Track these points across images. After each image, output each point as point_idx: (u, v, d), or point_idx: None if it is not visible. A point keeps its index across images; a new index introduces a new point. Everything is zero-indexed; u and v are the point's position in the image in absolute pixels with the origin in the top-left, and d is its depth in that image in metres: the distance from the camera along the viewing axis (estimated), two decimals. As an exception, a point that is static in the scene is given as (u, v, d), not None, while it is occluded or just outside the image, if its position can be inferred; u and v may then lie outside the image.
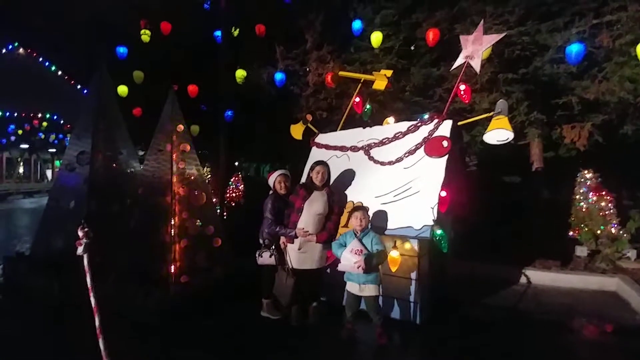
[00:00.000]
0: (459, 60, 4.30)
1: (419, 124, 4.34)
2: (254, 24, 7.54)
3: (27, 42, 24.10)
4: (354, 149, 4.64)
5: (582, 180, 6.33)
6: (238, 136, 8.70)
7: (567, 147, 6.97)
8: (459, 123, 4.35)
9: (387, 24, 6.80)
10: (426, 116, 4.53)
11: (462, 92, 4.38)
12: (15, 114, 21.44)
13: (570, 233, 6.34)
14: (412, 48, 6.97)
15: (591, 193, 6.17)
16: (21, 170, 29.73)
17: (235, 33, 8.25)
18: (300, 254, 3.87)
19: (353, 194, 4.28)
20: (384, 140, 4.44)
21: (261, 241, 4.18)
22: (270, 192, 4.26)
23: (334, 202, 3.96)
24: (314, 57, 7.12)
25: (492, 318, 4.29)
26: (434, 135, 4.13)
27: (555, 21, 5.98)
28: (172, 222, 4.97)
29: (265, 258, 4.04)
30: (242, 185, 11.40)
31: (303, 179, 4.45)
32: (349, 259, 3.41)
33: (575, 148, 6.66)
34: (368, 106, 5.51)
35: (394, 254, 3.78)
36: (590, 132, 6.32)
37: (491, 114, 4.12)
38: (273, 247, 4.04)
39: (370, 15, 6.87)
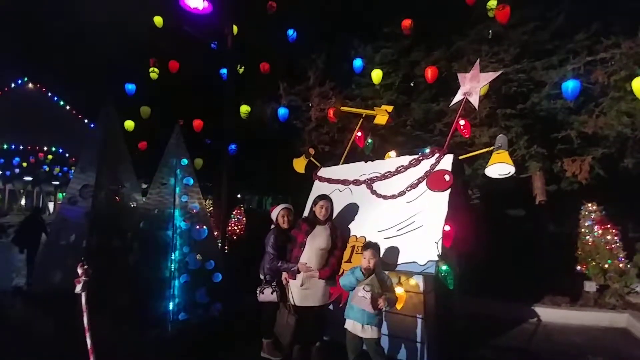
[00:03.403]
0: (458, 97, 4.41)
1: (421, 158, 4.37)
2: (259, 62, 7.84)
3: (36, 77, 24.94)
4: (357, 182, 4.65)
5: (587, 213, 6.29)
6: (241, 169, 8.77)
7: (569, 180, 6.99)
8: (460, 157, 4.39)
9: (387, 62, 7.07)
10: (427, 150, 4.57)
11: (462, 127, 4.46)
12: (21, 147, 21.81)
13: (578, 267, 6.20)
14: (412, 84, 7.19)
15: (596, 226, 6.10)
16: (23, 202, 29.75)
17: (241, 71, 8.56)
18: (302, 290, 3.76)
19: (356, 228, 4.24)
20: (386, 174, 4.46)
21: (262, 277, 4.09)
22: (273, 226, 4.22)
23: (337, 237, 3.91)
24: (317, 93, 7.34)
25: (504, 360, 4.11)
26: (435, 169, 4.15)
27: (550, 59, 6.20)
28: (172, 257, 4.91)
29: (267, 295, 3.93)
30: (244, 218, 11.35)
31: (306, 213, 4.43)
32: (369, 295, 3.27)
33: (577, 181, 6.67)
34: (370, 140, 5.59)
35: (399, 290, 3.67)
36: (591, 166, 6.36)
37: (491, 148, 4.17)
38: (274, 283, 3.94)
39: (371, 54, 7.14)
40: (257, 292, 3.97)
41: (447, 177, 3.97)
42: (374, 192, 4.42)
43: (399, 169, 4.41)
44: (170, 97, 8.91)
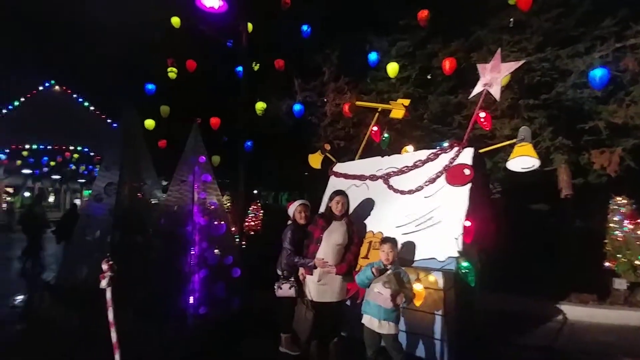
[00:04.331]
0: (478, 88, 4.28)
1: (439, 152, 4.27)
2: (274, 58, 7.85)
3: (62, 80, 25.92)
4: (373, 177, 4.59)
5: (616, 207, 6.01)
6: (257, 166, 8.84)
7: (597, 173, 6.70)
8: (481, 151, 4.27)
9: (403, 54, 6.93)
10: (446, 144, 4.47)
11: (482, 120, 4.33)
12: (49, 147, 22.77)
13: (606, 264, 5.95)
14: (429, 77, 7.03)
15: (626, 221, 5.83)
16: (51, 199, 31.03)
17: (256, 68, 8.59)
18: (319, 286, 3.76)
19: (373, 224, 4.20)
20: (403, 169, 4.38)
21: (279, 272, 4.11)
22: (290, 222, 4.23)
23: (354, 233, 3.88)
24: (332, 88, 7.29)
25: (527, 359, 3.98)
26: (455, 163, 4.05)
27: (576, 46, 5.93)
28: (192, 252, 4.99)
29: (285, 290, 3.94)
30: (261, 214, 11.47)
31: (322, 209, 4.41)
32: (385, 290, 3.25)
33: (606, 174, 6.39)
34: (386, 135, 5.51)
35: (417, 287, 3.62)
36: (621, 157, 6.07)
37: (514, 141, 4.04)
38: (292, 278, 3.95)
39: (386, 47, 7.02)
40: (275, 287, 3.99)
41: (467, 171, 3.87)
42: (390, 187, 4.36)
43: (416, 163, 4.33)
44: (188, 95, 9.04)
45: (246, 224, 10.09)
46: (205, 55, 8.97)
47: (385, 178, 4.46)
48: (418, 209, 4.00)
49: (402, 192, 4.21)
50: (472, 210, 3.79)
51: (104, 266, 2.65)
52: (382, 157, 4.80)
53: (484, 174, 5.99)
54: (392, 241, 3.42)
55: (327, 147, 5.48)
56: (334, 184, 4.93)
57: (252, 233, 10.77)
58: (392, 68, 6.37)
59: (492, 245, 5.04)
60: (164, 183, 8.49)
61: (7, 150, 22.67)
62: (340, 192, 3.99)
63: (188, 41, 9.32)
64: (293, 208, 4.19)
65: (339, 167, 5.11)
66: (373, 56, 6.59)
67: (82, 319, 4.89)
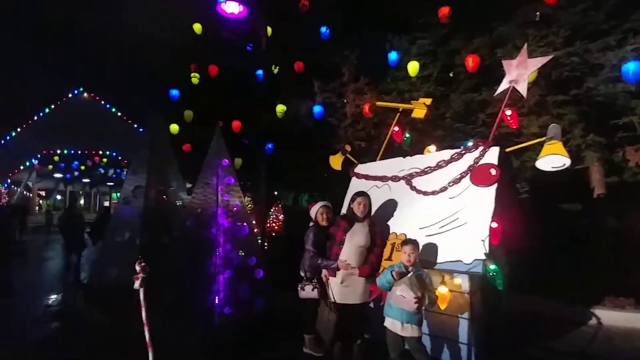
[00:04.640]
0: (503, 85, 4.17)
1: (463, 152, 4.19)
2: (293, 61, 7.90)
3: (90, 87, 27.05)
4: (395, 178, 4.55)
5: (653, 206, 5.71)
6: (278, 167, 8.92)
7: (632, 170, 6.37)
8: (507, 150, 4.15)
9: (424, 53, 6.82)
10: (470, 143, 4.37)
11: (508, 118, 4.21)
12: (79, 152, 23.85)
13: (644, 266, 5.66)
14: (451, 75, 6.89)
15: (665, 221, 5.53)
16: (82, 202, 32.38)
17: (275, 71, 8.66)
18: (342, 288, 3.76)
19: (396, 226, 4.15)
20: (426, 170, 4.32)
21: (302, 274, 4.12)
22: (312, 223, 4.24)
23: (376, 234, 3.85)
24: (351, 89, 7.26)
25: (558, 364, 3.85)
26: (480, 163, 3.95)
27: (606, 39, 5.66)
28: (217, 253, 5.09)
29: (308, 291, 3.95)
30: (282, 215, 11.56)
31: (343, 210, 4.40)
32: (408, 292, 3.22)
33: (642, 172, 6.08)
34: (408, 135, 5.44)
35: (442, 290, 3.56)
36: (658, 154, 5.75)
37: (543, 139, 3.90)
38: (315, 280, 3.97)
39: (406, 46, 6.93)
40: (298, 288, 4.02)
41: (493, 171, 3.77)
42: (413, 188, 4.31)
43: (439, 163, 4.26)
44: (210, 100, 9.22)
45: (267, 225, 10.21)
46: (226, 60, 9.13)
47: (408, 179, 4.41)
48: (442, 210, 3.93)
49: (426, 193, 4.15)
50: (499, 211, 3.69)
51: (137, 268, 2.74)
52: (404, 157, 4.74)
53: (511, 173, 5.84)
54: (413, 243, 3.39)
55: (348, 148, 5.46)
56: (355, 185, 4.91)
57: (274, 234, 10.88)
58: (413, 67, 6.27)
59: (520, 247, 4.90)
60: (188, 186, 8.69)
61: (39, 156, 23.89)
62: (361, 194, 3.98)
63: (209, 46, 9.51)
64: (315, 210, 4.21)
65: (360, 168, 5.09)
66: (393, 55, 6.52)
67: (113, 318, 5.09)
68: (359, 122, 7.19)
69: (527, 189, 7.15)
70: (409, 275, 3.28)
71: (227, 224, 5.21)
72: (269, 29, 8.73)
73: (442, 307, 3.56)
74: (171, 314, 4.63)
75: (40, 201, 26.55)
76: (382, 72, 7.27)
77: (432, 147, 5.16)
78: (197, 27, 8.93)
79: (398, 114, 5.40)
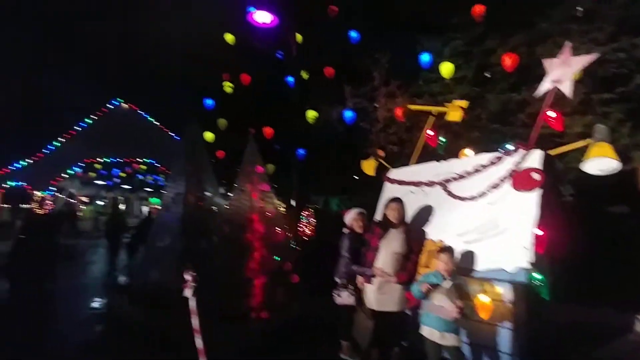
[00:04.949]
0: (545, 85, 4.00)
1: (503, 156, 4.05)
2: (323, 67, 7.97)
3: (129, 98, 28.58)
4: (430, 184, 4.47)
5: None
6: (309, 173, 9.00)
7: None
8: (551, 153, 3.98)
9: (457, 53, 6.67)
10: (510, 146, 4.22)
11: (552, 119, 4.03)
12: (119, 160, 25.33)
13: None
14: (488, 75, 6.69)
15: None
16: (123, 207, 34.03)
17: (305, 76, 8.75)
18: (379, 295, 3.73)
19: (433, 232, 4.08)
20: (463, 174, 4.22)
21: (338, 280, 4.14)
22: (347, 230, 4.25)
23: (412, 241, 3.81)
24: (382, 93, 7.22)
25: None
26: (521, 168, 3.81)
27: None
28: (253, 258, 5.21)
29: (344, 298, 3.96)
30: (314, 220, 11.61)
31: (377, 216, 4.38)
32: (446, 301, 3.16)
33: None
34: (443, 139, 5.33)
35: (484, 299, 3.46)
36: None
37: (588, 140, 3.71)
38: (350, 286, 3.96)
39: (439, 47, 6.82)
40: (334, 294, 4.03)
41: (535, 176, 3.63)
42: (450, 193, 4.22)
43: (478, 168, 4.14)
44: (243, 107, 9.46)
45: (299, 230, 10.30)
46: (257, 68, 9.35)
47: (444, 184, 4.32)
48: (481, 217, 3.82)
49: (463, 199, 4.05)
50: (543, 217, 3.55)
51: (187, 276, 2.85)
52: (439, 162, 4.65)
53: (555, 177, 5.58)
54: (450, 251, 3.33)
55: (381, 153, 5.43)
56: (389, 190, 4.87)
57: (306, 238, 10.95)
58: (446, 68, 6.14)
59: (564, 253, 4.67)
60: (222, 191, 8.95)
61: (82, 164, 25.54)
62: (395, 199, 3.94)
63: (241, 56, 9.78)
64: (350, 217, 4.22)
65: (394, 173, 5.04)
66: (425, 57, 6.41)
67: (157, 321, 5.30)
68: (391, 126, 7.14)
69: (572, 191, 6.81)
70: (447, 284, 3.23)
71: (263, 230, 5.34)
72: (299, 36, 8.86)
73: (484, 316, 3.45)
74: (210, 317, 4.80)
75: (83, 207, 28.13)
76: (414, 75, 7.18)
77: (469, 151, 5.03)
78: (230, 38, 9.20)
79: (432, 118, 5.31)
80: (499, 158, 4.07)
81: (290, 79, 8.67)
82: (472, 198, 3.99)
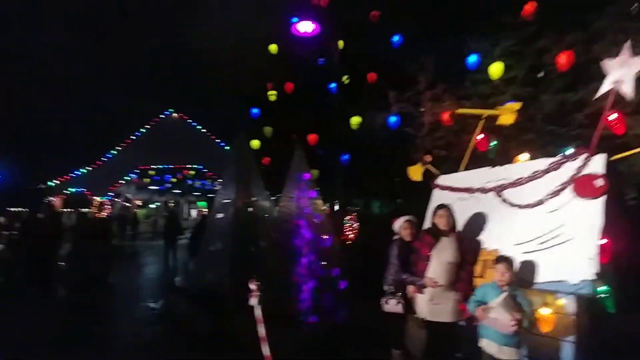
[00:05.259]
0: (605, 87, 3.76)
1: (562, 161, 3.86)
2: (366, 72, 8.01)
3: (179, 108, 30.44)
4: (483, 190, 4.34)
5: None
6: (354, 178, 9.05)
7: None
8: (616, 157, 3.73)
9: (508, 54, 6.43)
10: (570, 150, 4.01)
11: (613, 122, 3.79)
12: (171, 166, 27.12)
13: None
14: (541, 75, 6.39)
15: None
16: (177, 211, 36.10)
17: (346, 80, 8.81)
18: (432, 305, 3.67)
19: (487, 241, 3.97)
20: (519, 180, 4.06)
21: (386, 287, 4.13)
22: (395, 237, 4.25)
23: (466, 250, 3.71)
24: (428, 96, 7.12)
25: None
26: (583, 173, 3.61)
27: None
28: (301, 264, 5.35)
29: (392, 305, 3.93)
30: (357, 224, 11.61)
31: (427, 224, 4.33)
32: (502, 314, 3.08)
33: None
34: (494, 143, 5.16)
35: (545, 312, 3.32)
36: None
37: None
38: (399, 294, 3.94)
39: (487, 48, 6.61)
40: (382, 302, 4.03)
41: (599, 182, 3.43)
42: (505, 200, 4.07)
43: (535, 173, 3.97)
44: (287, 115, 9.74)
45: (343, 234, 10.35)
46: (300, 76, 9.59)
47: (498, 190, 4.18)
48: (540, 225, 3.66)
49: (520, 206, 3.90)
50: (607, 225, 3.34)
51: (252, 286, 3.00)
52: (492, 167, 4.51)
53: (618, 181, 5.21)
54: (507, 261, 3.21)
55: (428, 158, 5.34)
56: (438, 197, 4.80)
57: (349, 243, 10.97)
58: (496, 69, 5.92)
59: (630, 262, 4.34)
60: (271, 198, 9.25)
61: (137, 171, 27.65)
62: (443, 206, 3.86)
63: (285, 64, 10.09)
64: (398, 224, 4.20)
65: (443, 180, 4.95)
66: (473, 58, 6.22)
67: (211, 322, 5.59)
68: (438, 131, 7.02)
69: (635, 195, 6.31)
70: (504, 296, 3.13)
71: (310, 236, 5.46)
72: (341, 43, 8.98)
73: (546, 330, 3.31)
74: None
75: (138, 211, 30.23)
76: (460, 77, 7.02)
77: (524, 156, 4.83)
78: (273, 48, 9.52)
79: (482, 121, 5.15)
80: (559, 163, 3.87)
81: (333, 85, 8.81)
82: (530, 206, 3.83)
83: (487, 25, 6.79)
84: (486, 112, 5.18)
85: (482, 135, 5.15)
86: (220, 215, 6.97)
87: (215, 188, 27.49)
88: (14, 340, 5.18)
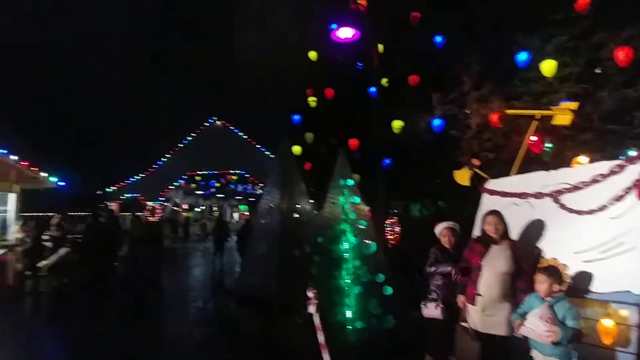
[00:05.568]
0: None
1: (626, 164, 3.60)
2: (407, 75, 7.91)
3: (221, 116, 31.87)
4: (539, 195, 4.13)
5: None
6: (396, 182, 8.95)
7: None
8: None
9: (561, 50, 6.08)
10: (632, 152, 3.74)
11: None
12: (215, 172, 28.63)
13: None
14: (598, 71, 5.98)
15: None
16: (217, 214, 37.68)
17: (385, 83, 8.71)
18: (485, 317, 3.51)
19: (545, 249, 3.79)
20: (578, 185, 3.83)
21: (429, 293, 4.06)
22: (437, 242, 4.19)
23: (521, 259, 3.54)
24: (474, 97, 6.89)
25: None
26: (651, 177, 3.35)
27: None
28: (346, 269, 5.39)
29: (430, 310, 3.87)
30: (399, 228, 11.47)
31: (476, 232, 4.20)
32: (538, 325, 2.96)
33: None
34: (549, 145, 4.89)
35: (607, 323, 3.12)
36: None
37: None
38: (438, 298, 3.87)
39: (538, 44, 6.29)
40: (421, 306, 3.97)
41: (669, 187, 3.17)
42: (563, 206, 3.86)
43: (595, 177, 3.74)
44: (327, 120, 9.85)
45: (386, 238, 10.26)
46: (340, 81, 9.66)
47: (555, 196, 3.97)
48: (602, 233, 3.44)
49: (580, 212, 3.68)
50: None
51: (310, 294, 3.09)
52: (548, 171, 4.29)
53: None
54: (547, 271, 3.06)
55: (476, 162, 5.19)
56: (487, 202, 4.63)
57: (391, 247, 10.86)
58: (548, 66, 5.60)
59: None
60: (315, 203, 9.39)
61: (185, 176, 29.43)
62: (492, 212, 3.70)
63: (324, 70, 10.22)
64: (438, 230, 4.15)
65: (493, 184, 4.77)
66: (523, 56, 5.92)
67: (259, 324, 5.79)
68: (485, 132, 6.77)
69: None
70: (542, 306, 2.99)
71: (355, 241, 5.49)
72: (381, 47, 8.94)
73: (607, 341, 3.12)
74: (307, 323, 5.08)
75: (185, 214, 31.90)
76: (509, 76, 6.72)
77: (583, 159, 4.55)
78: (313, 55, 9.69)
79: (535, 122, 4.91)
80: (621, 166, 3.62)
81: (373, 89, 8.78)
82: (591, 212, 3.61)
83: (536, 21, 6.46)
84: (540, 113, 4.94)
85: (535, 137, 4.93)
86: (264, 220, 7.19)
87: (256, 192, 28.70)
88: (77, 336, 5.63)
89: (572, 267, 3.48)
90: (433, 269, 3.95)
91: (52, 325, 6.42)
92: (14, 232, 9.03)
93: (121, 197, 29.60)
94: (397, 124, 7.39)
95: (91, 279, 7.69)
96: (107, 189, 29.98)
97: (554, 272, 3.10)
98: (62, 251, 8.61)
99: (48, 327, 6.40)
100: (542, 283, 3.04)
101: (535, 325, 2.95)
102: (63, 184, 10.21)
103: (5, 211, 9.33)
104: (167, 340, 5.67)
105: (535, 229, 3.95)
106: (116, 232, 9.07)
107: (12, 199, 9.33)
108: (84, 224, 9.80)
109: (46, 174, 9.68)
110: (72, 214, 17.96)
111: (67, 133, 38.83)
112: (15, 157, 8.94)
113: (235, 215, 34.48)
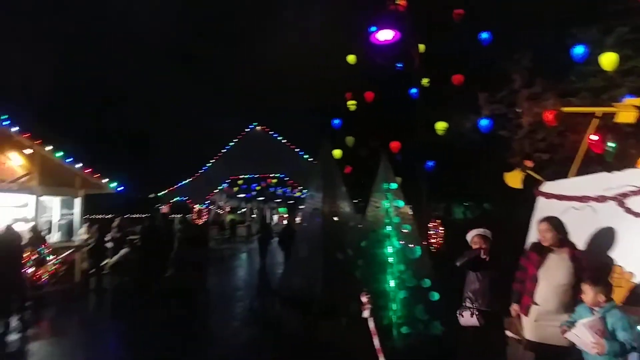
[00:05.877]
0: None
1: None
2: (451, 74, 7.68)
3: (262, 121, 32.87)
4: (601, 199, 3.83)
5: None
6: (440, 184, 8.72)
7: None
8: None
9: (623, 42, 5.62)
10: None
11: None
12: (256, 175, 29.60)
13: None
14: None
15: None
16: (254, 216, 38.79)
17: (426, 83, 8.49)
18: (540, 326, 3.32)
19: (611, 257, 3.51)
20: (647, 188, 3.52)
21: (465, 301, 3.90)
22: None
23: (583, 269, 3.27)
24: (525, 95, 6.54)
25: None
26: None
27: None
28: (391, 273, 5.33)
29: (467, 318, 3.75)
30: (442, 231, 11.14)
31: (531, 238, 3.98)
32: (585, 334, 2.76)
33: None
34: (612, 144, 4.52)
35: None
36: None
37: None
38: (473, 306, 3.74)
39: (597, 37, 5.85)
40: (457, 314, 3.86)
41: None
42: (629, 210, 3.55)
43: (666, 179, 3.41)
44: (368, 123, 9.82)
45: (429, 242, 10.00)
46: (380, 84, 9.59)
47: (620, 199, 3.66)
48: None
49: (649, 217, 3.38)
50: None
51: (364, 299, 3.13)
52: (611, 172, 3.96)
53: None
54: (592, 280, 2.83)
55: (529, 164, 4.91)
56: (543, 207, 4.35)
57: (434, 251, 10.56)
58: (609, 59, 5.19)
59: None
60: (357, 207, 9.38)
61: (228, 180, 30.69)
62: (545, 219, 3.45)
63: (363, 73, 10.20)
64: (469, 237, 4.04)
65: (549, 187, 4.49)
66: (579, 50, 5.53)
67: (304, 325, 5.85)
68: (538, 132, 6.40)
69: None
70: (591, 317, 2.77)
71: (399, 246, 5.41)
72: (422, 47, 8.76)
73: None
74: (355, 326, 5.07)
75: (233, 216, 33.15)
76: (564, 72, 6.31)
77: (652, 159, 4.16)
78: (351, 58, 9.69)
79: (596, 120, 4.55)
80: (699, 167, 3.28)
81: (414, 90, 8.62)
82: (662, 216, 3.30)
83: (593, 13, 6.02)
84: (601, 110, 4.58)
85: (596, 136, 4.57)
86: (306, 224, 7.28)
87: (295, 195, 29.34)
88: (133, 332, 6.01)
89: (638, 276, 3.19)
90: (471, 275, 3.88)
91: (113, 321, 7.03)
92: (80, 234, 9.87)
93: (171, 200, 31.40)
94: (441, 125, 7.19)
95: (148, 278, 8.22)
96: (159, 193, 31.94)
97: (597, 282, 2.88)
98: (123, 251, 9.26)
99: (111, 322, 7.01)
100: (586, 292, 2.85)
101: (583, 333, 2.77)
102: (122, 188, 11.02)
103: (72, 214, 10.27)
104: (213, 340, 5.94)
105: (601, 236, 3.65)
106: (169, 234, 9.63)
107: (77, 203, 10.26)
108: (141, 226, 10.47)
109: (107, 180, 10.52)
110: (129, 216, 19.32)
111: (124, 141, 41.89)
112: (80, 165, 9.86)
113: (275, 218, 35.30)
